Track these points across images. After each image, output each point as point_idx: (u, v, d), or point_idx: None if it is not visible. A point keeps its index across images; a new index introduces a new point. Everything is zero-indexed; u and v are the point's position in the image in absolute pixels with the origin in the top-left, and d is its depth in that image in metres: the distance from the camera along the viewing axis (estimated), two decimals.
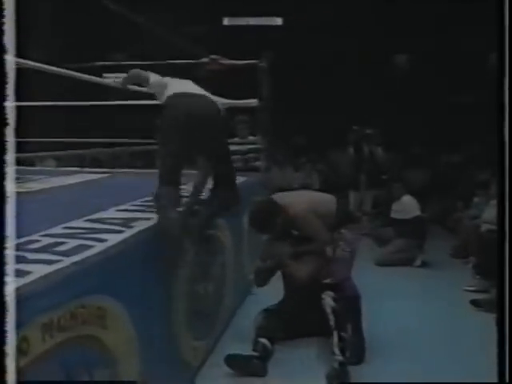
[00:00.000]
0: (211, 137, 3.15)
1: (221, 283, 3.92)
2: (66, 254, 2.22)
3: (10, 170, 1.71)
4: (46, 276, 1.94)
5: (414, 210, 6.34)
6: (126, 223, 2.83)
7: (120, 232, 2.65)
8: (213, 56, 5.68)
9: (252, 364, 3.47)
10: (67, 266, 2.09)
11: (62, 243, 2.37)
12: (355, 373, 3.45)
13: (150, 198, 3.66)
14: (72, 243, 2.37)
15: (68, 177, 5.38)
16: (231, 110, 5.84)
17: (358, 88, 9.89)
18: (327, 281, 3.90)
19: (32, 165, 7.39)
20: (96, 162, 8.68)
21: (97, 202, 3.46)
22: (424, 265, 6.19)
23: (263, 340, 3.67)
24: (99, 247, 2.35)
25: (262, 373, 3.48)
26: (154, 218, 3.00)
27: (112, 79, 5.21)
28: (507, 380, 2.02)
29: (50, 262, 2.08)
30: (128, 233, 2.65)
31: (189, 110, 3.07)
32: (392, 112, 9.84)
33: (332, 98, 9.74)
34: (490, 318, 4.35)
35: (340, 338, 3.52)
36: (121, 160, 9.11)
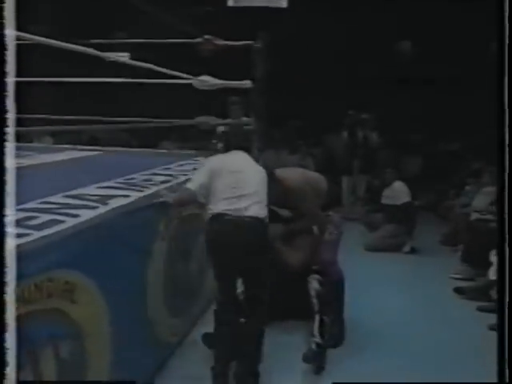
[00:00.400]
0: (251, 266, 3.18)
1: (203, 262, 3.92)
2: (36, 228, 2.24)
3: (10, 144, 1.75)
4: (12, 250, 1.95)
5: (405, 196, 6.34)
6: (103, 200, 2.84)
7: (94, 208, 2.66)
8: (207, 36, 5.63)
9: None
10: (34, 240, 2.10)
11: (34, 217, 2.38)
12: (346, 356, 3.51)
13: (134, 176, 3.70)
14: (44, 218, 2.39)
15: (59, 154, 5.40)
16: (225, 91, 5.85)
17: (357, 72, 9.83)
18: (316, 267, 3.94)
19: (30, 142, 7.40)
20: (93, 141, 8.66)
21: (80, 179, 3.46)
22: (413, 251, 6.20)
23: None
24: (70, 222, 2.36)
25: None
26: (131, 195, 3.02)
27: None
28: (507, 380, 2.03)
29: (19, 236, 2.09)
30: (102, 209, 2.66)
31: (230, 242, 3.08)
32: (391, 98, 9.79)
33: (329, 81, 9.68)
34: (473, 306, 4.46)
35: (321, 322, 3.54)
36: (118, 139, 9.11)
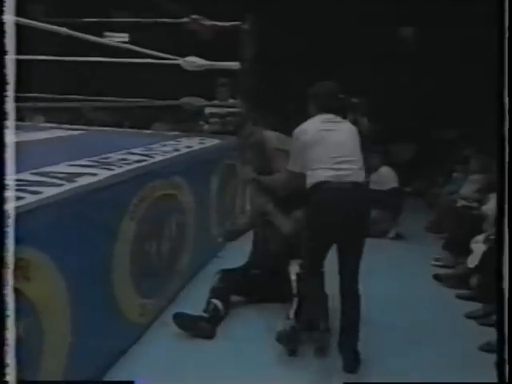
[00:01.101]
0: (352, 234, 3.20)
1: (178, 243, 3.91)
2: None
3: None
4: None
5: (391, 182, 6.30)
6: (70, 178, 2.81)
7: (59, 186, 2.63)
8: (194, 16, 5.58)
9: (199, 325, 3.46)
10: None
11: None
12: None
13: (110, 155, 3.67)
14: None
15: (43, 132, 5.37)
16: (212, 72, 5.81)
17: (348, 55, 9.74)
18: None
19: (21, 120, 7.35)
20: (83, 120, 8.61)
21: (56, 157, 3.43)
22: (398, 237, 6.18)
23: (215, 301, 3.66)
24: (29, 199, 2.33)
25: (209, 334, 3.47)
26: (100, 173, 2.99)
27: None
28: (507, 380, 2.02)
29: None
30: (67, 187, 2.63)
31: (332, 211, 3.11)
32: (386, 84, 9.71)
33: (319, 64, 9.58)
34: (451, 293, 4.44)
35: (299, 306, 3.50)
36: (109, 119, 9.05)
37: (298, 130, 3.34)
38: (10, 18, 1.76)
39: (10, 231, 2.08)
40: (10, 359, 1.82)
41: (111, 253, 2.90)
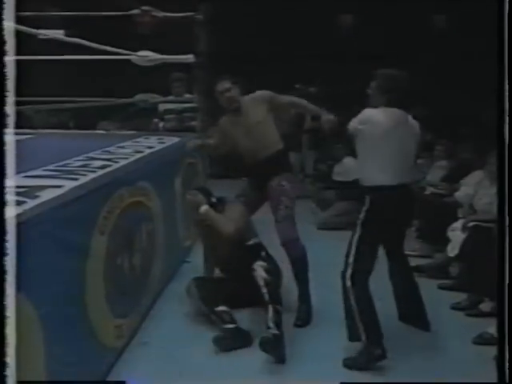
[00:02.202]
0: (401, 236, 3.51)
1: (149, 253, 3.62)
2: None
3: None
4: None
5: (356, 172, 6.13)
6: (31, 192, 2.47)
7: (20, 204, 2.30)
8: (144, 7, 5.25)
9: (241, 335, 3.34)
10: None
11: None
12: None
13: (68, 162, 3.35)
14: None
15: None
16: (166, 67, 5.51)
17: (304, 44, 9.57)
18: (252, 242, 3.73)
19: None
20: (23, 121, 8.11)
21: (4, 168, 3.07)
22: None
23: (222, 308, 3.46)
24: None
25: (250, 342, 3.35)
26: (65, 185, 2.67)
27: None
28: (507, 380, 2.01)
29: None
30: (29, 204, 2.31)
31: (389, 216, 3.15)
32: (343, 71, 9.58)
33: (275, 53, 9.38)
34: (433, 284, 4.32)
35: (275, 312, 3.28)
36: (54, 120, 8.59)
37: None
38: None
39: None
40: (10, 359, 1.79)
41: (83, 274, 2.60)
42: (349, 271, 3.14)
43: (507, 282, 2.00)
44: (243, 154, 3.94)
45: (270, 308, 3.29)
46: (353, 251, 3.16)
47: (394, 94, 3.19)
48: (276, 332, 3.18)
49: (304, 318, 3.67)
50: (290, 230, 3.76)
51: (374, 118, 3.13)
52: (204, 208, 3.61)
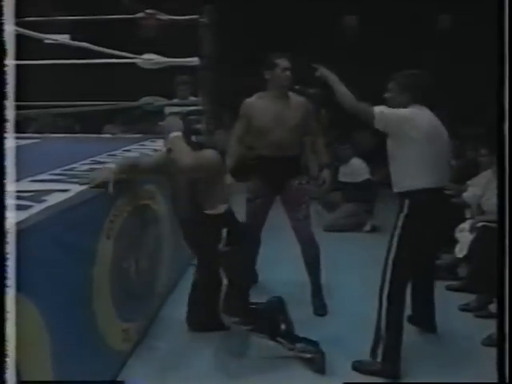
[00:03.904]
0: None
1: (155, 256, 3.61)
2: None
3: None
4: None
5: (364, 173, 6.12)
6: (38, 197, 2.48)
7: (27, 208, 2.30)
8: (149, 10, 5.24)
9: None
10: None
11: None
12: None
13: (74, 166, 3.35)
14: None
15: None
16: (171, 70, 5.49)
17: (307, 46, 9.55)
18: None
19: None
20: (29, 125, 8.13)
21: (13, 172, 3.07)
22: (374, 230, 6.03)
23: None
24: None
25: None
26: (71, 189, 2.67)
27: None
28: (507, 380, 2.01)
29: None
30: (36, 208, 2.30)
31: (435, 220, 3.09)
32: (343, 72, 9.56)
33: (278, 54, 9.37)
34: (441, 285, 4.29)
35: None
36: (58, 123, 8.59)
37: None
38: None
39: None
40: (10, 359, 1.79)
41: (91, 278, 2.59)
42: (386, 290, 3.07)
43: (507, 281, 1.99)
44: (270, 144, 3.75)
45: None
46: (390, 264, 3.07)
47: (417, 92, 3.08)
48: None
49: (323, 308, 3.82)
50: (310, 229, 3.88)
51: (413, 119, 3.00)
52: (174, 134, 3.02)
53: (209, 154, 3.06)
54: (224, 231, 3.05)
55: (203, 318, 3.36)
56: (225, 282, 3.07)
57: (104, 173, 2.92)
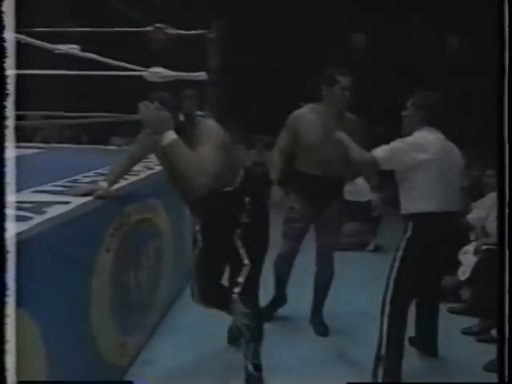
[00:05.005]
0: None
1: (156, 271, 3.59)
2: None
3: None
4: None
5: (369, 193, 6.06)
6: (38, 208, 2.46)
7: (28, 219, 2.28)
8: (158, 24, 5.28)
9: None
10: None
11: None
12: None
13: (77, 178, 3.34)
14: None
15: None
16: (178, 83, 5.51)
17: (316, 62, 9.58)
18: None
19: None
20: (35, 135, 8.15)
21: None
22: (377, 249, 6.00)
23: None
24: None
25: None
26: (72, 201, 2.66)
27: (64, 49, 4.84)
28: (507, 380, 2.01)
29: None
30: (36, 220, 2.29)
31: (438, 244, 3.10)
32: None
33: (286, 72, 9.39)
34: (443, 307, 4.25)
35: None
36: (67, 134, 8.62)
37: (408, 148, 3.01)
38: None
39: None
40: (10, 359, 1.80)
41: (89, 291, 2.57)
42: (387, 310, 3.08)
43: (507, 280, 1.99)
44: (319, 162, 3.51)
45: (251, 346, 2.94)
46: (391, 284, 3.09)
47: (429, 112, 3.09)
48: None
49: (325, 328, 3.77)
50: (333, 254, 3.84)
51: (421, 144, 3.00)
52: (170, 138, 2.39)
53: (212, 142, 2.50)
54: (247, 201, 2.80)
55: (211, 294, 3.10)
56: (246, 261, 2.81)
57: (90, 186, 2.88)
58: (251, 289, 2.84)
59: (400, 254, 3.08)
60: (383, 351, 3.03)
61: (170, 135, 2.39)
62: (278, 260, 3.81)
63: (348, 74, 3.47)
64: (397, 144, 3.05)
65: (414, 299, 3.34)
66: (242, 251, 2.81)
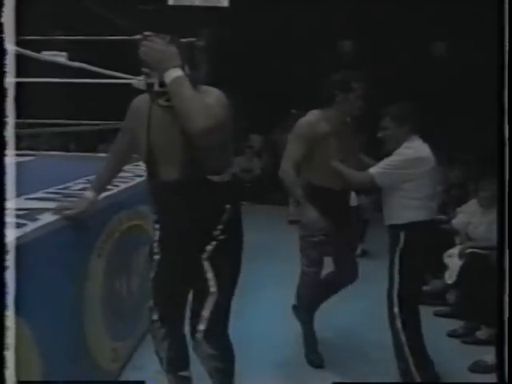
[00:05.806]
0: None
1: (146, 277, 3.62)
2: None
3: None
4: None
5: (355, 198, 6.16)
6: (32, 215, 2.50)
7: (22, 226, 2.32)
8: (146, 33, 5.30)
9: None
10: None
11: None
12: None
13: (68, 185, 3.37)
14: None
15: None
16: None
17: (304, 71, 9.67)
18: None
19: None
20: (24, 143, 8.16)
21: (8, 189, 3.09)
22: (364, 254, 6.06)
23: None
24: None
25: None
26: None
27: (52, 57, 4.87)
28: (507, 380, 2.02)
29: None
30: (30, 227, 2.33)
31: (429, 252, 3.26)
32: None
33: (274, 80, 9.46)
34: (429, 311, 4.32)
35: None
36: (53, 142, 8.64)
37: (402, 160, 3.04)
38: None
39: None
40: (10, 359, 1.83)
41: (81, 297, 2.61)
42: (398, 324, 3.16)
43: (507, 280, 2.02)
44: (338, 175, 3.24)
45: None
46: (395, 299, 3.14)
47: (415, 122, 3.11)
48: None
49: (319, 357, 3.55)
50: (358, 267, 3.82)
51: (421, 157, 3.04)
52: (175, 74, 2.13)
53: (216, 97, 2.23)
54: (227, 208, 2.33)
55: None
56: (212, 289, 2.32)
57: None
58: (218, 324, 2.36)
59: (397, 268, 3.10)
60: (409, 359, 3.09)
61: (176, 71, 2.12)
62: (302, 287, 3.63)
63: (363, 81, 3.28)
64: (393, 161, 3.05)
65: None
66: (210, 275, 2.32)
